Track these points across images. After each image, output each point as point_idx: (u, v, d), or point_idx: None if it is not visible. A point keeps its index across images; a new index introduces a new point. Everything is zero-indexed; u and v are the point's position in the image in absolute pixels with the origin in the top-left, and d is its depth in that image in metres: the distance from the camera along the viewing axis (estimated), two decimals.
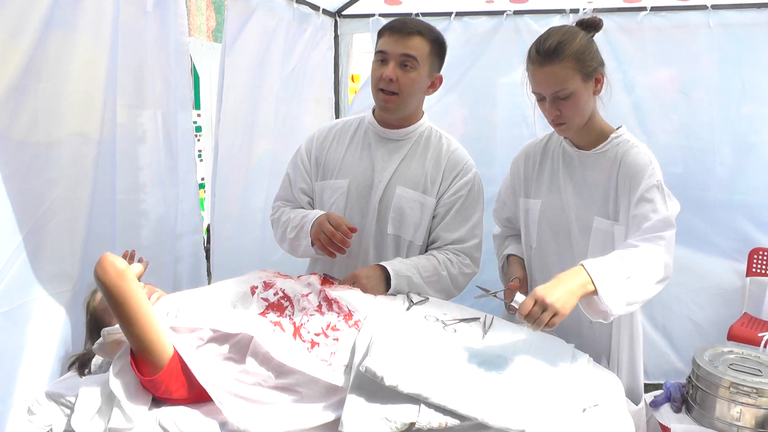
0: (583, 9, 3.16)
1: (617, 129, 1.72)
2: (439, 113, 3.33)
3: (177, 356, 1.37)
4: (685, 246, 2.91)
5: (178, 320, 1.43)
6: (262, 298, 1.55)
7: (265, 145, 3.01)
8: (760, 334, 2.77)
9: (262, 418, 1.33)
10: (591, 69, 1.59)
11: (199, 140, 4.45)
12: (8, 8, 1.51)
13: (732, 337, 2.96)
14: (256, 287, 1.59)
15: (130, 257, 1.76)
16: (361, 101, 3.37)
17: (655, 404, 1.91)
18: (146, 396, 1.40)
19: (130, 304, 1.34)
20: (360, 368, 1.34)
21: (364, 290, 1.69)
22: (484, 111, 3.45)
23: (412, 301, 1.68)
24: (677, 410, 1.87)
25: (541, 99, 1.64)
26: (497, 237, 2.08)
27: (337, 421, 1.31)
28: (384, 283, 1.76)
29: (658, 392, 1.94)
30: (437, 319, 1.58)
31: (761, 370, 1.79)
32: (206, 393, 1.36)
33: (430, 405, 1.28)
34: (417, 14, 3.32)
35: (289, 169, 2.04)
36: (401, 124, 1.90)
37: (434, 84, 1.88)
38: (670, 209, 1.56)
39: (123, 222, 2.04)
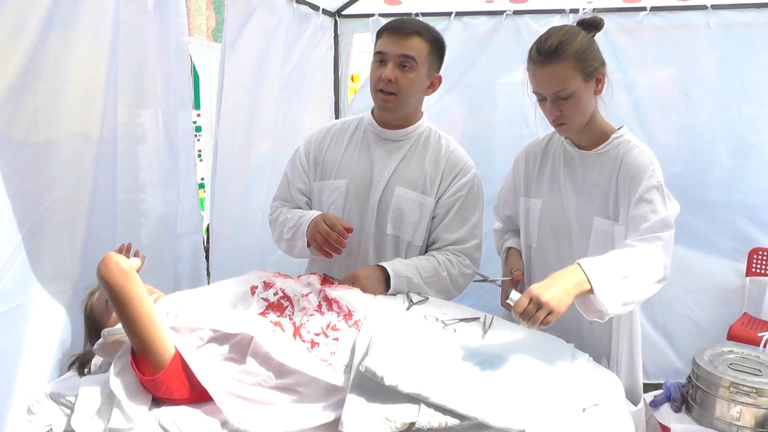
0: (583, 9, 3.16)
1: (618, 129, 1.72)
2: (438, 113, 3.33)
3: (178, 356, 1.37)
4: (685, 246, 2.92)
5: (178, 320, 1.43)
6: (262, 298, 1.55)
7: (265, 145, 3.01)
8: (759, 334, 2.77)
9: (263, 419, 1.33)
10: (592, 69, 1.59)
11: (198, 140, 4.45)
12: (8, 8, 1.50)
13: (732, 336, 2.97)
14: (256, 287, 1.59)
15: (126, 251, 1.76)
16: (361, 101, 3.37)
17: (655, 404, 1.91)
18: (146, 396, 1.40)
19: (134, 304, 1.34)
20: (360, 368, 1.34)
21: (364, 290, 1.69)
22: (483, 111, 3.45)
23: (411, 301, 1.68)
24: (677, 410, 1.87)
25: (542, 99, 1.64)
26: (498, 231, 2.09)
27: (337, 421, 1.31)
28: (384, 284, 1.76)
29: (658, 392, 1.94)
30: (437, 319, 1.58)
31: (761, 369, 1.79)
32: (206, 393, 1.36)
33: (430, 405, 1.28)
34: (417, 14, 3.32)
35: (287, 169, 2.04)
36: (400, 124, 1.90)
37: (433, 84, 1.88)
38: (670, 210, 1.56)
39: (123, 222, 2.04)
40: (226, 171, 2.72)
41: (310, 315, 1.51)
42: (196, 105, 4.81)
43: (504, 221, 2.05)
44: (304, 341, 1.43)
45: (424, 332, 1.50)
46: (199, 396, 1.39)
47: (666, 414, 1.86)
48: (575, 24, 1.65)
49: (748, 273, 3.18)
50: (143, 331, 1.35)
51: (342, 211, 1.90)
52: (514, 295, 1.40)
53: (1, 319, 1.56)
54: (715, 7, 3.01)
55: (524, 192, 1.87)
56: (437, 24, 3.23)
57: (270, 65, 2.95)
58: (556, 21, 3.16)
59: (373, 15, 3.44)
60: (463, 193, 1.89)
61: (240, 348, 1.42)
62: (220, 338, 1.43)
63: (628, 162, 1.64)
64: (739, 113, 3.09)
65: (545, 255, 1.82)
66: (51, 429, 1.45)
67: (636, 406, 1.71)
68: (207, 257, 2.65)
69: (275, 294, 1.57)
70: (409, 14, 3.32)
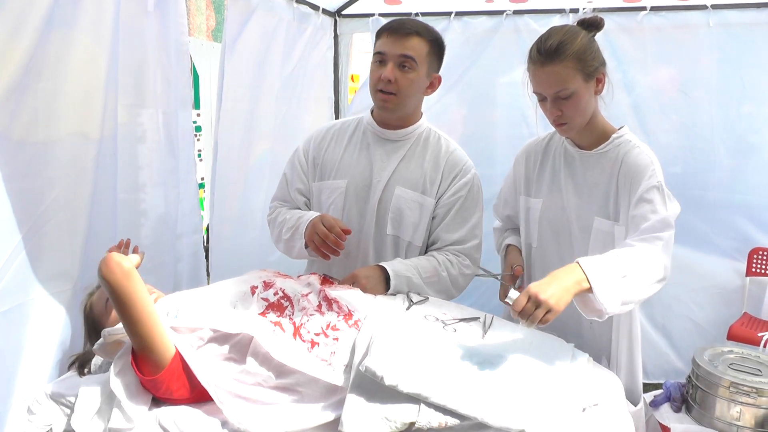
0: (583, 9, 3.16)
1: (619, 129, 1.72)
2: (438, 113, 3.33)
3: (178, 356, 1.37)
4: (684, 246, 2.92)
5: (178, 320, 1.43)
6: (262, 298, 1.55)
7: (265, 144, 3.01)
8: (759, 334, 2.77)
9: (263, 419, 1.33)
10: (592, 69, 1.59)
11: (198, 140, 4.45)
12: (8, 8, 1.50)
13: (732, 336, 2.97)
14: (256, 287, 1.59)
15: (125, 246, 1.75)
16: (361, 101, 3.37)
17: (654, 404, 1.91)
18: (146, 396, 1.40)
19: (135, 305, 1.34)
20: (360, 368, 1.34)
21: (364, 290, 1.68)
22: (483, 111, 3.45)
23: (411, 301, 1.68)
24: (677, 410, 1.87)
25: (542, 99, 1.64)
26: (497, 230, 2.09)
27: (337, 421, 1.31)
28: (383, 284, 1.75)
29: (658, 392, 1.95)
30: (437, 319, 1.58)
31: (761, 369, 1.79)
32: (207, 393, 1.36)
33: (430, 404, 1.28)
34: (417, 14, 3.32)
35: (286, 169, 2.04)
36: (400, 124, 1.90)
37: (433, 84, 1.88)
38: (670, 210, 1.56)
39: (123, 221, 2.04)
40: (225, 171, 2.72)
41: (310, 315, 1.51)
42: (196, 105, 4.81)
43: (503, 220, 2.05)
44: (304, 341, 1.43)
45: (424, 332, 1.50)
46: (199, 396, 1.39)
47: (666, 414, 1.87)
48: (575, 24, 1.65)
49: (748, 273, 3.18)
50: (144, 332, 1.35)
51: (341, 211, 1.90)
52: (513, 293, 1.40)
53: (1, 318, 1.56)
54: (715, 6, 3.01)
55: (525, 191, 1.87)
56: (437, 24, 3.24)
57: (270, 65, 2.95)
58: (556, 21, 3.16)
59: (373, 15, 3.44)
60: (463, 193, 1.89)
61: (240, 348, 1.42)
62: (220, 338, 1.43)
63: (628, 162, 1.64)
64: (739, 113, 3.09)
65: (545, 255, 1.82)
66: (51, 429, 1.45)
67: (636, 406, 1.71)
68: (207, 257, 2.65)
69: (275, 294, 1.57)
70: (409, 14, 3.32)
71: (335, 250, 1.74)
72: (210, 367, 1.40)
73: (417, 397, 1.29)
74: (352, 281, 1.73)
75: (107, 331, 1.45)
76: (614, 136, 1.70)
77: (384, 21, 2.90)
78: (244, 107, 2.81)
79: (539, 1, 3.24)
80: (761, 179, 3.08)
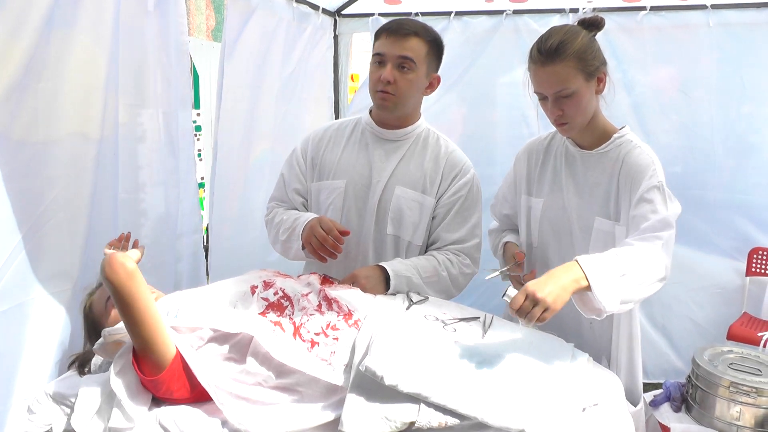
0: (583, 8, 3.16)
1: (620, 129, 1.72)
2: (438, 113, 3.33)
3: (179, 357, 1.37)
4: (684, 245, 2.92)
5: (178, 320, 1.43)
6: (262, 298, 1.55)
7: (265, 144, 3.01)
8: (759, 334, 2.78)
9: (263, 419, 1.33)
10: (593, 68, 1.59)
11: (198, 140, 4.45)
12: (8, 7, 1.50)
13: (731, 336, 2.97)
14: (256, 287, 1.59)
15: (126, 239, 1.75)
16: (361, 100, 3.37)
17: (654, 404, 1.91)
18: (147, 395, 1.41)
19: (138, 305, 1.34)
20: (360, 367, 1.34)
21: (364, 290, 1.68)
22: (483, 111, 3.45)
23: (411, 301, 1.68)
24: (677, 410, 1.87)
25: (543, 99, 1.64)
26: (494, 231, 2.06)
27: (337, 421, 1.31)
28: (383, 284, 1.75)
29: (658, 392, 1.95)
30: (437, 319, 1.58)
31: (761, 369, 1.79)
32: (207, 393, 1.36)
33: (430, 404, 1.28)
34: (416, 13, 3.32)
35: (283, 169, 2.03)
36: (399, 124, 1.90)
37: (432, 84, 1.88)
38: (670, 210, 1.56)
39: (123, 221, 2.03)
40: (225, 171, 2.72)
41: (310, 315, 1.51)
42: (196, 104, 4.81)
43: (501, 219, 2.03)
44: (304, 341, 1.43)
45: (424, 332, 1.50)
46: (199, 396, 1.39)
47: (666, 414, 1.87)
48: (576, 23, 1.65)
49: (748, 272, 3.18)
50: (146, 332, 1.35)
51: (341, 211, 1.90)
52: (511, 291, 1.40)
53: (1, 318, 1.56)
54: (714, 6, 3.01)
55: (526, 190, 1.87)
56: (437, 23, 3.25)
57: (270, 65, 2.95)
58: (556, 20, 3.16)
59: (372, 14, 3.44)
60: (464, 193, 1.89)
61: (240, 348, 1.42)
62: (220, 338, 1.43)
63: (629, 162, 1.64)
64: (739, 113, 3.09)
65: (546, 254, 1.82)
66: (51, 428, 1.45)
67: (636, 406, 1.71)
68: (206, 257, 2.64)
69: (275, 294, 1.57)
70: (409, 14, 3.33)
71: (332, 254, 1.73)
72: (210, 368, 1.40)
73: (417, 396, 1.29)
74: (352, 281, 1.73)
75: (107, 331, 1.45)
76: (615, 135, 1.70)
77: (384, 21, 2.90)
78: (244, 107, 2.81)
79: (539, 1, 3.24)
80: (761, 179, 3.08)
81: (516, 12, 3.28)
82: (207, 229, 2.71)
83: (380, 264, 1.79)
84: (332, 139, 1.97)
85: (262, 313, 1.49)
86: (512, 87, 3.26)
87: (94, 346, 1.49)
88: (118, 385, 1.36)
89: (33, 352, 1.65)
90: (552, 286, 1.36)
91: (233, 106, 2.70)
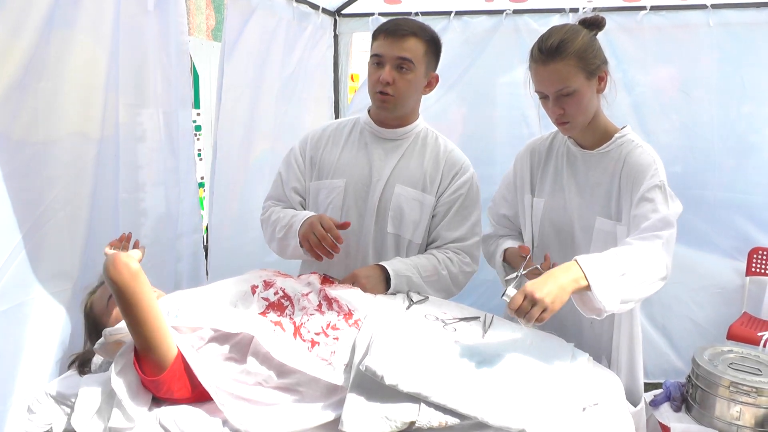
0: (583, 8, 3.16)
1: (622, 129, 1.72)
2: (438, 113, 3.33)
3: (180, 357, 1.37)
4: (684, 245, 2.92)
5: (179, 319, 1.43)
6: (262, 298, 1.55)
7: (265, 144, 3.01)
8: (759, 334, 2.78)
9: (264, 420, 1.33)
10: (594, 67, 1.59)
11: (198, 139, 4.45)
12: (9, 7, 1.50)
13: (731, 336, 2.97)
14: (257, 286, 1.59)
15: (126, 240, 1.75)
16: (360, 100, 3.37)
17: (654, 403, 1.91)
18: (147, 395, 1.41)
19: (141, 305, 1.35)
20: (360, 367, 1.34)
21: (364, 290, 1.68)
22: (483, 110, 3.45)
23: (412, 300, 1.68)
24: (677, 409, 1.87)
25: (544, 98, 1.64)
26: (488, 237, 1.99)
27: (337, 421, 1.31)
28: (383, 283, 1.76)
29: (658, 391, 1.95)
30: (437, 318, 1.58)
31: (761, 369, 1.79)
32: (207, 393, 1.36)
33: (430, 404, 1.28)
34: (416, 13, 3.32)
35: (281, 168, 2.02)
36: (398, 123, 1.91)
37: (431, 83, 1.88)
38: (671, 209, 1.56)
39: (124, 221, 2.03)
40: (225, 170, 2.72)
41: (311, 314, 1.51)
42: (196, 104, 4.81)
43: (498, 221, 1.99)
44: (304, 341, 1.43)
45: (424, 331, 1.50)
46: (199, 396, 1.39)
47: (666, 413, 1.87)
48: (577, 23, 1.65)
49: (748, 272, 3.18)
50: (149, 332, 1.35)
51: (340, 210, 1.90)
52: (510, 290, 1.40)
53: (1, 318, 1.56)
54: (715, 6, 3.01)
55: (529, 189, 1.85)
56: (437, 23, 3.25)
57: (269, 64, 2.95)
58: (556, 20, 3.16)
59: (372, 14, 3.44)
60: (464, 191, 1.89)
61: (241, 348, 1.42)
62: (220, 338, 1.43)
63: (630, 162, 1.64)
64: (740, 112, 3.09)
65: (547, 255, 1.81)
66: (51, 428, 1.45)
67: (636, 406, 1.71)
68: (206, 257, 2.64)
69: (275, 293, 1.57)
70: (409, 13, 3.32)
71: (329, 253, 1.72)
72: (211, 368, 1.40)
73: (417, 396, 1.29)
74: (352, 281, 1.73)
75: (108, 330, 1.45)
76: (617, 135, 1.69)
77: (384, 20, 2.90)
78: (243, 107, 2.81)
79: (539, 1, 3.24)
80: (761, 179, 3.08)
81: (516, 12, 3.27)
82: (207, 228, 2.71)
83: (380, 263, 1.79)
84: (331, 139, 1.97)
85: (263, 313, 1.49)
86: (512, 87, 3.26)
87: (95, 346, 1.49)
88: (118, 384, 1.36)
89: (33, 352, 1.65)
90: (551, 286, 1.35)
91: (233, 106, 2.70)
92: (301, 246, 1.78)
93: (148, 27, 2.09)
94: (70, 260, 1.79)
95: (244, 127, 2.84)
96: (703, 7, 3.02)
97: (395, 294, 1.74)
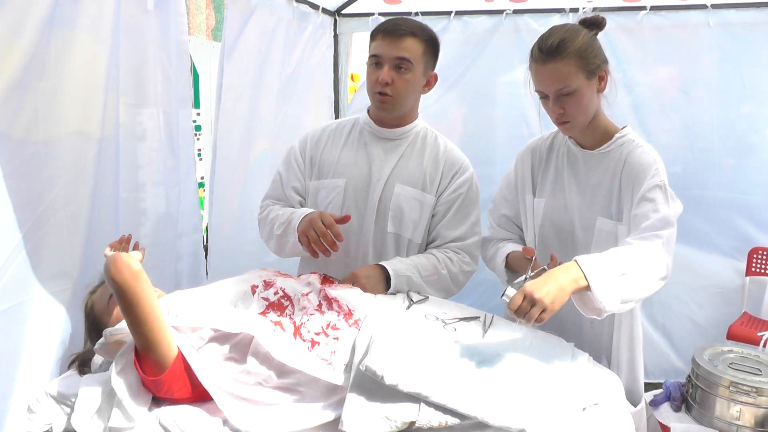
0: (583, 8, 3.16)
1: (622, 129, 1.71)
2: (438, 113, 3.33)
3: (180, 357, 1.37)
4: (684, 245, 2.92)
5: (179, 319, 1.43)
6: (262, 298, 1.55)
7: (264, 144, 3.01)
8: (759, 334, 2.78)
9: (264, 420, 1.33)
10: (594, 66, 1.59)
11: (198, 139, 4.44)
12: (9, 7, 1.50)
13: (731, 336, 2.97)
14: (257, 286, 1.59)
15: (126, 242, 1.75)
16: (360, 100, 3.37)
17: (654, 403, 1.91)
18: (147, 395, 1.40)
19: (142, 305, 1.35)
20: (360, 367, 1.34)
21: (364, 290, 1.68)
22: (483, 110, 3.45)
23: (412, 300, 1.68)
24: (677, 409, 1.87)
25: (544, 97, 1.64)
26: (488, 241, 1.95)
27: (337, 420, 1.31)
28: (383, 283, 1.76)
29: (658, 391, 1.95)
30: (437, 318, 1.58)
31: (761, 369, 1.79)
32: (207, 393, 1.36)
33: (430, 404, 1.28)
34: (416, 13, 3.32)
35: (280, 167, 2.02)
36: (397, 123, 1.91)
37: (429, 82, 1.89)
38: (672, 209, 1.56)
39: (124, 221, 2.03)
40: (225, 170, 2.72)
41: (311, 314, 1.51)
42: (196, 104, 4.81)
43: (499, 222, 1.96)
44: (304, 340, 1.43)
45: (424, 331, 1.50)
46: (199, 396, 1.39)
47: (666, 413, 1.87)
48: (577, 23, 1.65)
49: (748, 272, 3.18)
50: (150, 332, 1.35)
51: (340, 209, 1.89)
52: (510, 291, 1.40)
53: (1, 317, 1.56)
54: (715, 6, 3.01)
55: (530, 190, 1.85)
56: (437, 23, 3.26)
57: (269, 64, 2.94)
58: (556, 20, 3.16)
59: (372, 14, 3.45)
60: (464, 190, 1.89)
61: (241, 348, 1.42)
62: (220, 338, 1.43)
63: (631, 161, 1.64)
64: (739, 112, 3.09)
65: (548, 255, 1.81)
66: (51, 428, 1.45)
67: (637, 406, 1.71)
68: (205, 256, 2.64)
69: (275, 293, 1.57)
70: (409, 13, 3.32)
71: (326, 251, 1.69)
72: (211, 368, 1.40)
73: (417, 396, 1.29)
74: (353, 281, 1.73)
75: (109, 331, 1.45)
76: (617, 135, 1.69)
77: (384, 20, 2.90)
78: (243, 107, 2.81)
79: (539, 1, 3.24)
80: (761, 179, 3.09)
81: (516, 12, 3.28)
82: (207, 228, 2.71)
83: (380, 263, 1.79)
84: (331, 138, 1.97)
85: (263, 313, 1.49)
86: (512, 87, 3.26)
87: (95, 346, 1.49)
88: (119, 384, 1.36)
89: (33, 352, 1.65)
90: (550, 287, 1.35)
91: (233, 106, 2.70)
92: (300, 242, 1.76)
93: (148, 26, 2.08)
94: (70, 260, 1.79)
95: (244, 127, 2.84)
96: (703, 7, 3.02)
97: (395, 294, 1.74)
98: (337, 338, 1.44)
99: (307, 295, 1.58)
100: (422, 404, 1.29)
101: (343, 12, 3.53)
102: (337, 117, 3.65)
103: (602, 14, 1.68)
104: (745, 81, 3.03)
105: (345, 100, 3.73)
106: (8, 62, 1.52)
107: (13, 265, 1.59)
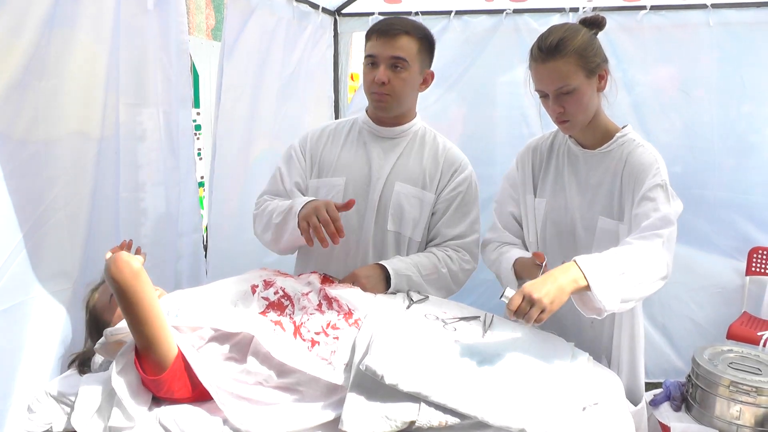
0: (583, 8, 3.16)
1: (623, 128, 1.71)
2: (437, 112, 3.33)
3: (181, 357, 1.37)
4: (685, 245, 2.91)
5: (179, 319, 1.43)
6: (262, 297, 1.55)
7: (264, 144, 3.01)
8: (759, 333, 2.78)
9: (264, 419, 1.33)
10: (594, 65, 1.59)
11: (198, 139, 4.45)
12: (9, 6, 1.50)
13: (731, 336, 2.97)
14: (257, 286, 1.59)
15: (128, 247, 1.75)
16: (360, 100, 3.36)
17: (654, 403, 1.91)
18: (147, 395, 1.41)
19: (143, 305, 1.35)
20: (360, 367, 1.34)
21: (364, 289, 1.68)
22: (483, 110, 3.44)
23: (412, 300, 1.68)
24: (677, 409, 1.87)
25: (544, 96, 1.64)
26: (490, 243, 1.91)
27: (337, 420, 1.31)
28: (383, 283, 1.76)
29: (658, 391, 1.94)
30: (437, 318, 1.58)
31: (761, 368, 1.79)
32: (207, 392, 1.36)
33: (430, 403, 1.28)
34: (416, 13, 3.32)
35: (281, 164, 2.01)
36: (396, 122, 1.92)
37: (426, 80, 1.89)
38: (672, 208, 1.56)
39: (124, 220, 2.04)
40: (224, 170, 2.72)
41: (311, 314, 1.51)
42: (196, 103, 4.81)
43: (505, 221, 1.92)
44: (304, 340, 1.43)
45: (424, 331, 1.50)
46: (199, 395, 1.39)
47: (666, 413, 1.86)
48: (577, 22, 1.65)
49: (748, 272, 3.18)
50: (150, 332, 1.35)
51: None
52: (509, 291, 1.40)
53: (1, 317, 1.56)
54: (715, 5, 3.01)
55: (531, 190, 1.84)
56: (437, 23, 3.26)
57: (269, 64, 2.94)
58: (556, 20, 3.16)
59: (372, 14, 3.44)
60: (463, 188, 1.90)
61: (241, 347, 1.42)
62: (220, 337, 1.43)
63: (632, 161, 1.64)
64: (740, 112, 3.09)
65: (549, 255, 1.80)
66: (51, 427, 1.45)
67: (637, 405, 1.71)
68: (205, 256, 2.64)
69: (276, 293, 1.57)
70: (409, 13, 3.32)
71: (324, 239, 1.63)
72: (211, 368, 1.40)
73: (417, 395, 1.29)
74: (352, 280, 1.73)
75: (109, 330, 1.45)
76: (618, 135, 1.69)
77: None
78: (243, 106, 2.80)
79: (539, 0, 3.24)
80: (761, 178, 3.08)
81: (516, 11, 3.27)
82: (206, 228, 2.71)
83: (380, 263, 1.79)
84: (330, 138, 1.98)
85: (263, 313, 1.49)
86: (512, 86, 3.26)
87: (96, 346, 1.49)
88: (119, 384, 1.36)
89: (33, 351, 1.65)
90: (549, 287, 1.35)
91: (233, 106, 2.70)
92: (299, 227, 1.70)
93: (148, 26, 2.08)
94: (71, 260, 1.79)
95: (244, 127, 2.84)
96: (703, 6, 3.02)
97: (395, 293, 1.74)
98: (337, 338, 1.44)
99: (307, 294, 1.58)
100: (422, 404, 1.29)
101: (343, 12, 3.53)
102: (337, 117, 3.65)
103: (602, 14, 1.68)
104: (745, 81, 3.03)
105: (345, 99, 3.73)
106: (8, 62, 1.52)
107: (13, 264, 1.59)
